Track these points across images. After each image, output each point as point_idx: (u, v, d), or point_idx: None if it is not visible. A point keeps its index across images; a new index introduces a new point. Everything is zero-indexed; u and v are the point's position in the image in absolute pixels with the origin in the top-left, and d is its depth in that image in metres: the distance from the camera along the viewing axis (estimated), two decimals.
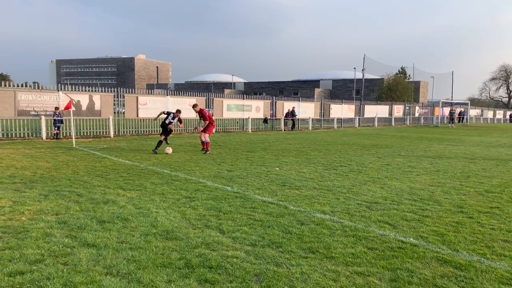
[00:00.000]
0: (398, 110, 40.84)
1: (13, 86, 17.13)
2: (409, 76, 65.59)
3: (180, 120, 13.56)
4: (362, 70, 41.00)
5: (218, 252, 4.02)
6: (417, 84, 65.13)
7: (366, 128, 32.23)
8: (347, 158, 11.93)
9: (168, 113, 13.26)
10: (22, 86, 17.23)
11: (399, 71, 67.05)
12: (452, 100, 52.78)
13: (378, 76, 63.15)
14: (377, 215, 5.52)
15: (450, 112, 40.07)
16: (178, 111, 13.30)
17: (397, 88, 54.68)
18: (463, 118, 47.49)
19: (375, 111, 36.75)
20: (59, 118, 16.86)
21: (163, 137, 13.09)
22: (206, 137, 12.52)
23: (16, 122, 16.60)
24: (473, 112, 55.52)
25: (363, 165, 10.35)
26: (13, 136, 16.35)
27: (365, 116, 35.85)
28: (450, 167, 10.40)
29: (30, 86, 17.88)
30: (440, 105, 44.30)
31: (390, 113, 39.05)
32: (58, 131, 17.02)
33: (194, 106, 12.91)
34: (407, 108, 42.27)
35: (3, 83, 16.67)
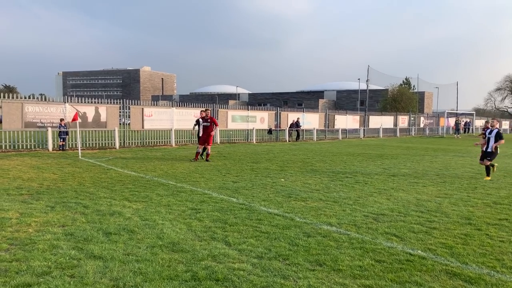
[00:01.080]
0: (403, 120, 40.76)
1: (20, 98, 17.35)
2: (413, 86, 65.59)
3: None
4: (366, 81, 41.08)
5: (224, 265, 4.00)
6: (421, 95, 65.09)
7: (371, 139, 32.15)
8: (352, 169, 11.88)
9: (198, 121, 13.88)
10: (29, 98, 17.46)
11: (403, 81, 67.12)
12: (457, 110, 52.66)
13: (383, 87, 63.22)
14: (384, 227, 5.48)
15: (455, 122, 39.93)
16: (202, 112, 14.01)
17: (402, 99, 54.65)
18: (468, 128, 47.27)
19: (380, 122, 36.69)
20: (65, 129, 16.99)
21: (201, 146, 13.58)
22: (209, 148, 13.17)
23: (23, 133, 16.75)
24: (479, 122, 55.24)
25: (369, 176, 10.30)
26: (20, 147, 16.48)
27: (370, 126, 35.79)
28: (456, 178, 10.32)
29: (37, 98, 18.11)
30: (445, 115, 44.17)
31: (395, 124, 38.96)
32: (63, 143, 17.12)
33: (206, 109, 13.66)
34: (412, 118, 42.18)
35: (10, 95, 16.89)
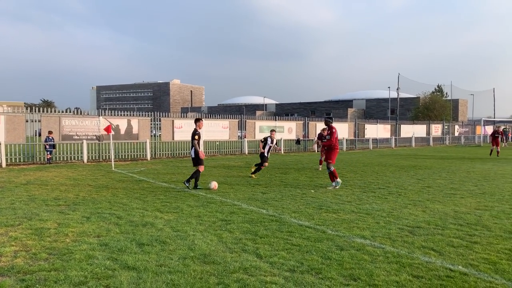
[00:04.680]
0: (436, 129, 39.50)
1: (58, 112, 18.15)
2: (446, 94, 63.67)
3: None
4: (397, 89, 40.23)
5: (256, 278, 3.95)
6: (455, 102, 63.01)
7: (403, 148, 31.30)
8: (385, 180, 11.57)
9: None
10: (65, 112, 18.22)
11: (435, 89, 65.33)
12: (494, 118, 50.49)
13: (414, 95, 61.72)
14: (420, 241, 5.26)
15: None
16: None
17: (434, 107, 53.04)
18: (506, 137, 45.10)
19: (412, 130, 35.72)
20: (52, 142, 16.43)
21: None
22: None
23: (60, 146, 17.46)
24: None
25: (402, 187, 9.98)
26: (57, 159, 17.17)
27: (402, 136, 34.91)
28: (497, 189, 9.82)
29: (73, 112, 18.87)
30: (482, 123, 42.44)
31: (428, 133, 37.81)
32: (50, 156, 16.50)
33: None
34: (446, 127, 40.80)
35: (48, 109, 17.70)
